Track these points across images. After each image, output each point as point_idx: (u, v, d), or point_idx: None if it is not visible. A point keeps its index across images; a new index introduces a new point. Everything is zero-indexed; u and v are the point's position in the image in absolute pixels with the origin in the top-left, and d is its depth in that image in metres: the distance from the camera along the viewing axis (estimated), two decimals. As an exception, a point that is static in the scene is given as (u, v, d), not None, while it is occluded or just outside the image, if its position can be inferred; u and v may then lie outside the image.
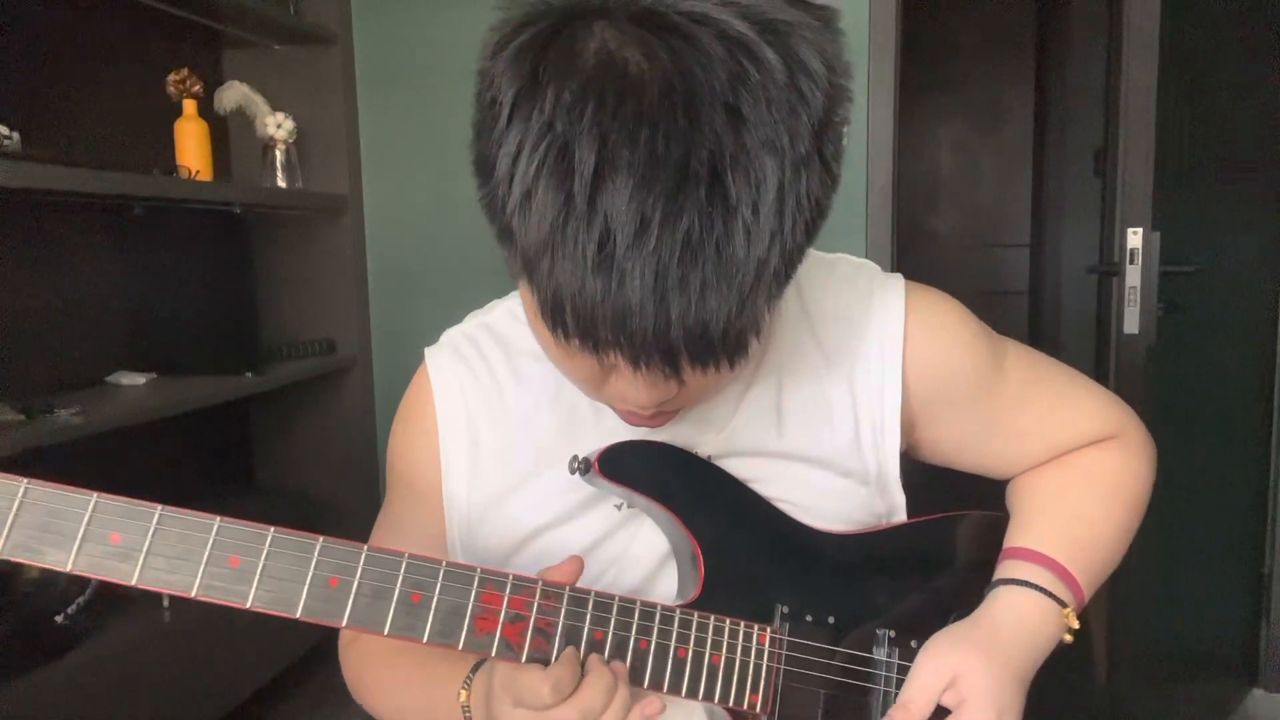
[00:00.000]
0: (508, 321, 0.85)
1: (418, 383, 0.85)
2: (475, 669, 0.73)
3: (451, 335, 0.87)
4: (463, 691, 0.72)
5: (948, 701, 0.72)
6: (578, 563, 0.68)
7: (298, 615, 0.60)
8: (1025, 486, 0.86)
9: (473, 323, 0.87)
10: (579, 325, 0.55)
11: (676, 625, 0.70)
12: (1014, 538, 0.81)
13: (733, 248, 0.52)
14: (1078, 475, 0.85)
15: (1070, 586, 0.78)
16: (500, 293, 0.89)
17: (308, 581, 0.60)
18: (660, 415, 0.69)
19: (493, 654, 0.64)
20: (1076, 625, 0.77)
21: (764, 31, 0.53)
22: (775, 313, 0.60)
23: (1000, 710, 0.71)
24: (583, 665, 0.66)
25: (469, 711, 0.71)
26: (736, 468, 0.78)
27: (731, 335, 0.55)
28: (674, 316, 0.53)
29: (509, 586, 0.65)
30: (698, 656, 0.70)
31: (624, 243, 0.51)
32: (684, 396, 0.65)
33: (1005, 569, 0.79)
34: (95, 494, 0.57)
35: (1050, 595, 0.76)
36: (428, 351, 0.86)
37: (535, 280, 0.55)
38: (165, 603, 1.94)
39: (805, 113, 0.53)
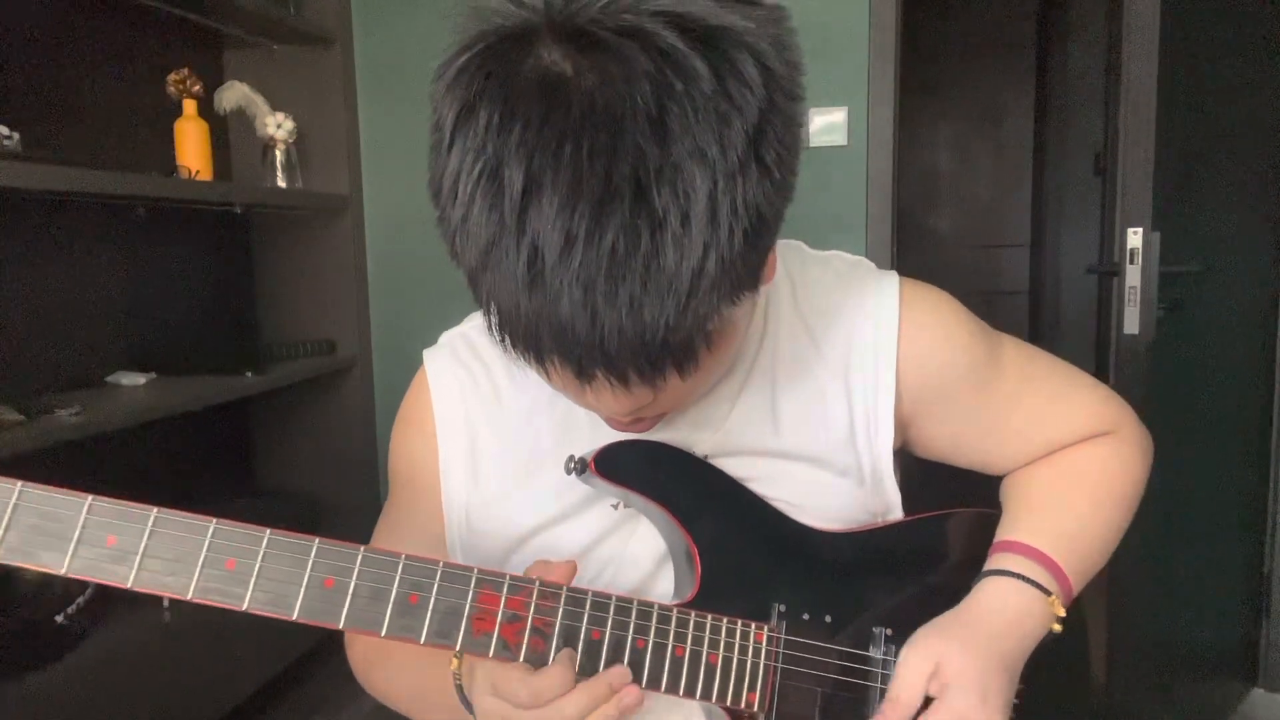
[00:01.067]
0: None
1: (417, 385, 0.86)
2: None
3: (449, 337, 0.87)
4: (454, 659, 0.72)
5: (932, 690, 0.72)
6: (571, 566, 0.68)
7: (294, 617, 0.60)
8: (1017, 482, 0.87)
9: (470, 324, 0.88)
10: (523, 342, 0.56)
11: (674, 625, 0.70)
12: (1003, 532, 0.82)
13: (662, 260, 0.52)
14: (1070, 471, 0.85)
15: (1057, 577, 0.78)
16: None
17: (304, 583, 0.60)
18: (640, 421, 0.70)
19: (490, 654, 0.64)
20: (1062, 613, 0.77)
21: (694, 41, 0.52)
22: (731, 319, 0.60)
23: (984, 693, 0.71)
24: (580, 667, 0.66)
25: (459, 678, 0.72)
26: (733, 467, 0.79)
27: (674, 346, 0.55)
28: (607, 331, 0.53)
29: (506, 587, 0.65)
30: (695, 656, 0.70)
31: (551, 260, 0.52)
32: (662, 402, 0.65)
33: (992, 561, 0.80)
34: (90, 496, 0.57)
35: (1033, 583, 0.76)
36: (426, 354, 0.87)
37: (479, 298, 0.57)
38: (165, 603, 1.94)
39: (738, 120, 0.53)
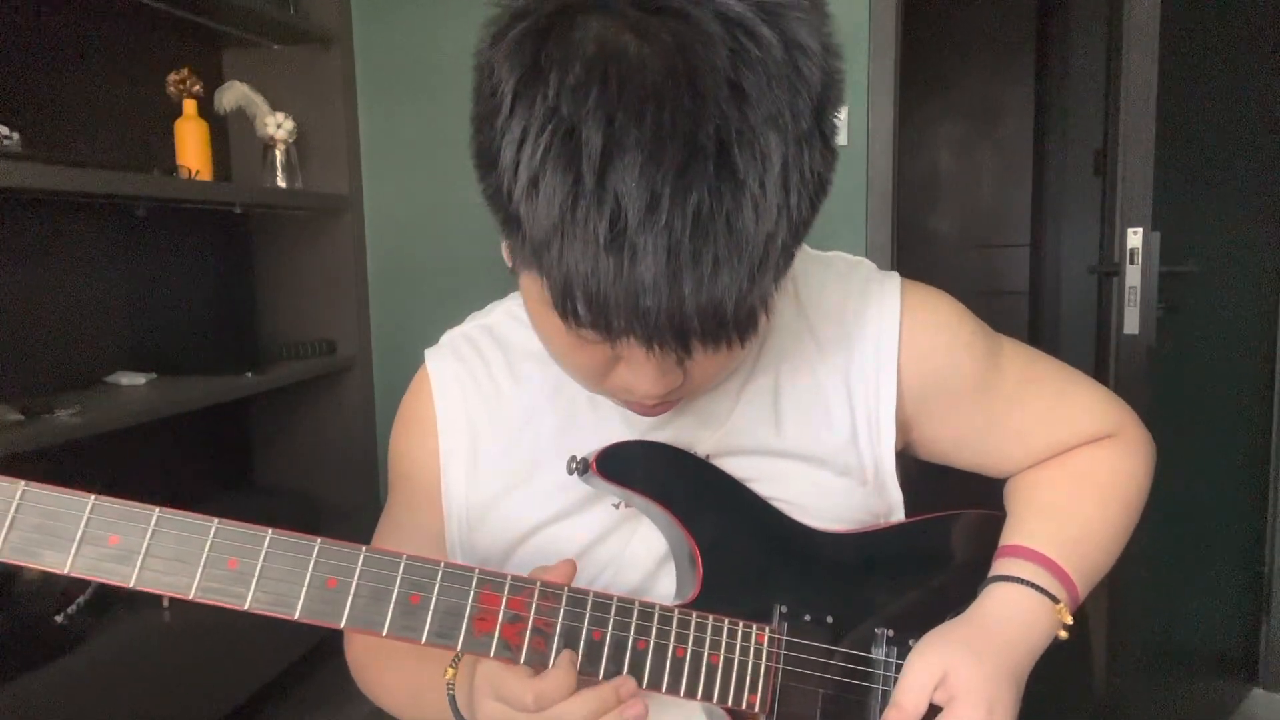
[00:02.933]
0: (507, 323, 0.85)
1: (417, 384, 0.86)
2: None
3: (451, 336, 0.87)
4: (449, 669, 0.72)
5: (938, 699, 0.72)
6: (570, 565, 0.68)
7: (296, 616, 0.60)
8: (1022, 485, 0.86)
9: (472, 324, 0.87)
10: (590, 309, 0.55)
11: (675, 625, 0.70)
12: (1009, 536, 0.82)
13: (742, 222, 0.53)
14: (1074, 474, 0.85)
15: (1064, 583, 0.78)
16: (501, 293, 0.89)
17: (306, 583, 0.60)
18: (663, 405, 0.69)
19: (491, 655, 0.64)
20: (1069, 621, 0.77)
21: (760, 11, 0.53)
22: (781, 291, 0.60)
23: (990, 705, 0.71)
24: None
25: (453, 689, 0.71)
26: (735, 466, 0.79)
27: (743, 312, 0.56)
28: (687, 293, 0.53)
29: (507, 587, 0.65)
30: (696, 656, 0.70)
31: (635, 220, 0.51)
32: (688, 385, 0.65)
33: (998, 566, 0.79)
34: (93, 495, 0.57)
35: (1042, 591, 0.76)
36: (428, 353, 0.86)
37: (545, 266, 0.55)
38: (165, 603, 1.94)
39: (805, 90, 0.54)
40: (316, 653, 2.32)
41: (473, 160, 0.59)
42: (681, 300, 0.53)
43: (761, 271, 0.55)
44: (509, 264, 0.64)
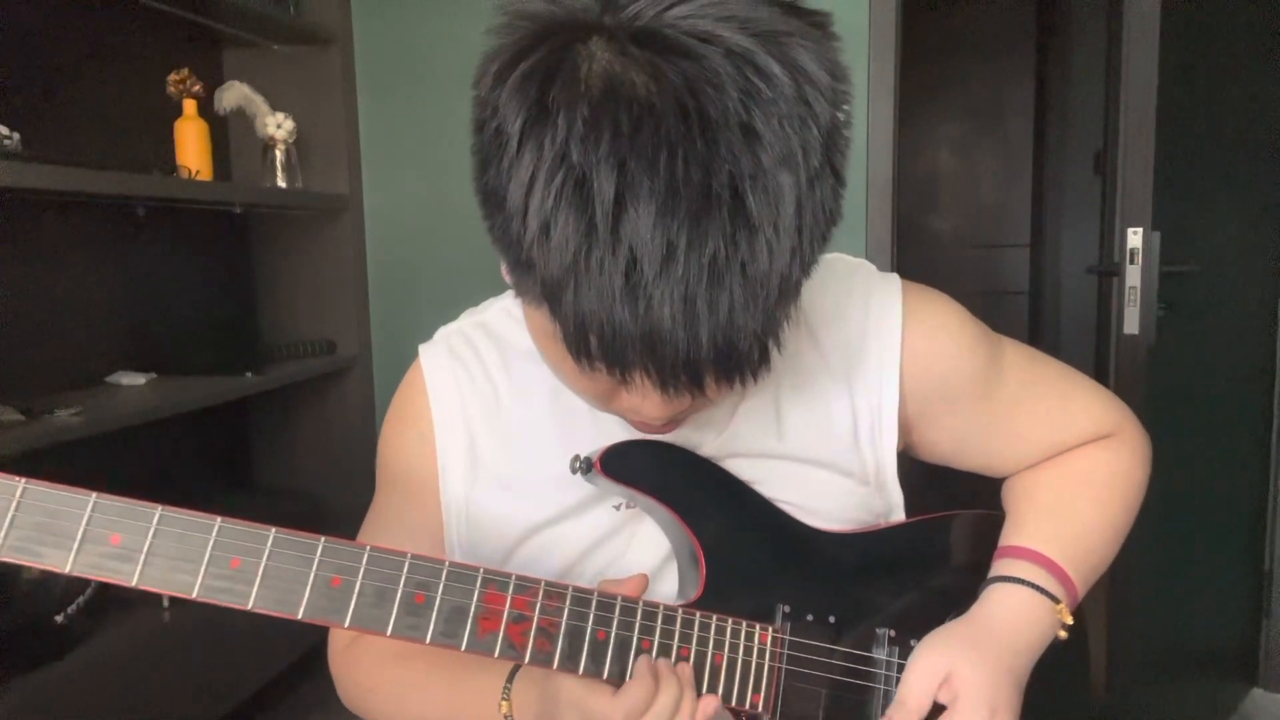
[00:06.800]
0: (503, 320, 0.85)
1: (411, 380, 0.85)
2: (511, 678, 0.73)
3: (446, 332, 0.86)
4: (504, 703, 0.72)
5: (942, 698, 0.72)
6: (642, 579, 0.69)
7: (299, 616, 0.60)
8: (1021, 485, 0.87)
9: (468, 320, 0.87)
10: (604, 351, 0.55)
11: (679, 625, 0.70)
12: (1008, 536, 0.82)
13: (757, 266, 0.52)
14: (1073, 474, 0.85)
15: (1064, 583, 0.78)
16: (498, 292, 0.89)
17: (310, 582, 0.60)
18: (670, 424, 0.69)
19: (495, 655, 0.64)
20: (1070, 621, 0.77)
21: (767, 44, 0.52)
22: (791, 321, 0.60)
23: (993, 706, 0.71)
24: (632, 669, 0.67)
25: None
26: (736, 468, 0.79)
27: (757, 350, 0.56)
28: (703, 339, 0.53)
29: (512, 586, 0.65)
30: (700, 656, 0.70)
31: (651, 270, 0.51)
32: (697, 405, 0.65)
33: (999, 567, 0.80)
34: (94, 494, 0.57)
35: (1043, 591, 0.77)
36: (422, 349, 0.85)
37: (558, 310, 0.55)
38: (165, 603, 1.94)
39: (815, 124, 0.53)
40: (316, 653, 2.31)
41: (476, 197, 0.58)
42: (698, 345, 0.53)
43: (775, 312, 0.55)
44: (511, 286, 0.64)
